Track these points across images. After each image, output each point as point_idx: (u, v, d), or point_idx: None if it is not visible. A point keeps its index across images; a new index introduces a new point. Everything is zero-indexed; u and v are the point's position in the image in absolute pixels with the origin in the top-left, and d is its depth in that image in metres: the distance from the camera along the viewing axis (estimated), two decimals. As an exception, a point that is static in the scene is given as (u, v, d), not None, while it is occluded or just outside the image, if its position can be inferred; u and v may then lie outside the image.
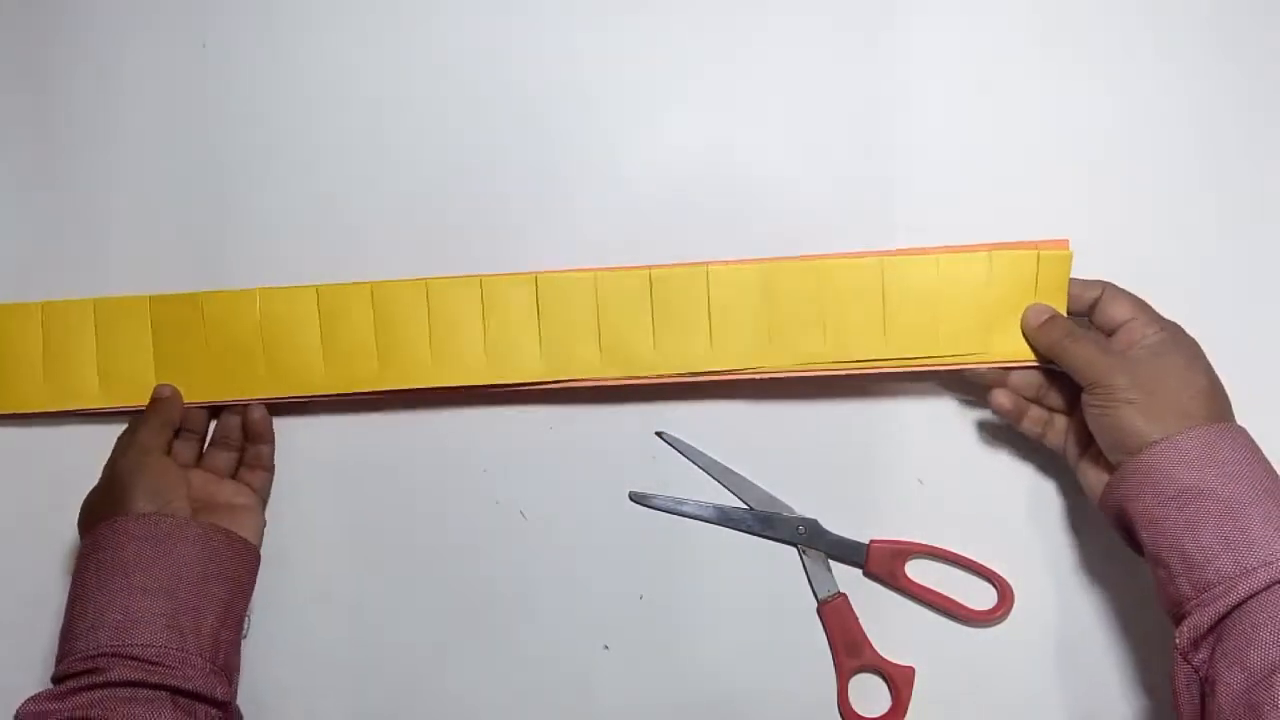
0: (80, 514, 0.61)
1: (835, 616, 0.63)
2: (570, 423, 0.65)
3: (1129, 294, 0.58)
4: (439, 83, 0.66)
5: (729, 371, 0.62)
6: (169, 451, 0.63)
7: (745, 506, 0.64)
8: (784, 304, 0.61)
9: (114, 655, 0.54)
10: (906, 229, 0.64)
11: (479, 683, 0.65)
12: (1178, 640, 0.51)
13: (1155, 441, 0.53)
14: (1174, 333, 0.56)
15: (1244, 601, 0.49)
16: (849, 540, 0.63)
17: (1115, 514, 0.55)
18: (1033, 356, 0.60)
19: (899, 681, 0.62)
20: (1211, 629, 0.50)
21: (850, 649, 0.62)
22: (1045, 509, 0.63)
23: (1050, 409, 0.61)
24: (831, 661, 0.63)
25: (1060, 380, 0.60)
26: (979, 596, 0.63)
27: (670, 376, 0.62)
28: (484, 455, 0.66)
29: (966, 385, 0.63)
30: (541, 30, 0.66)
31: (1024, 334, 0.60)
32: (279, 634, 0.65)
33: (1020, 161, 0.64)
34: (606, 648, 0.65)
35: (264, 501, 0.65)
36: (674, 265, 0.62)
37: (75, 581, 0.58)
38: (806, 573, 0.63)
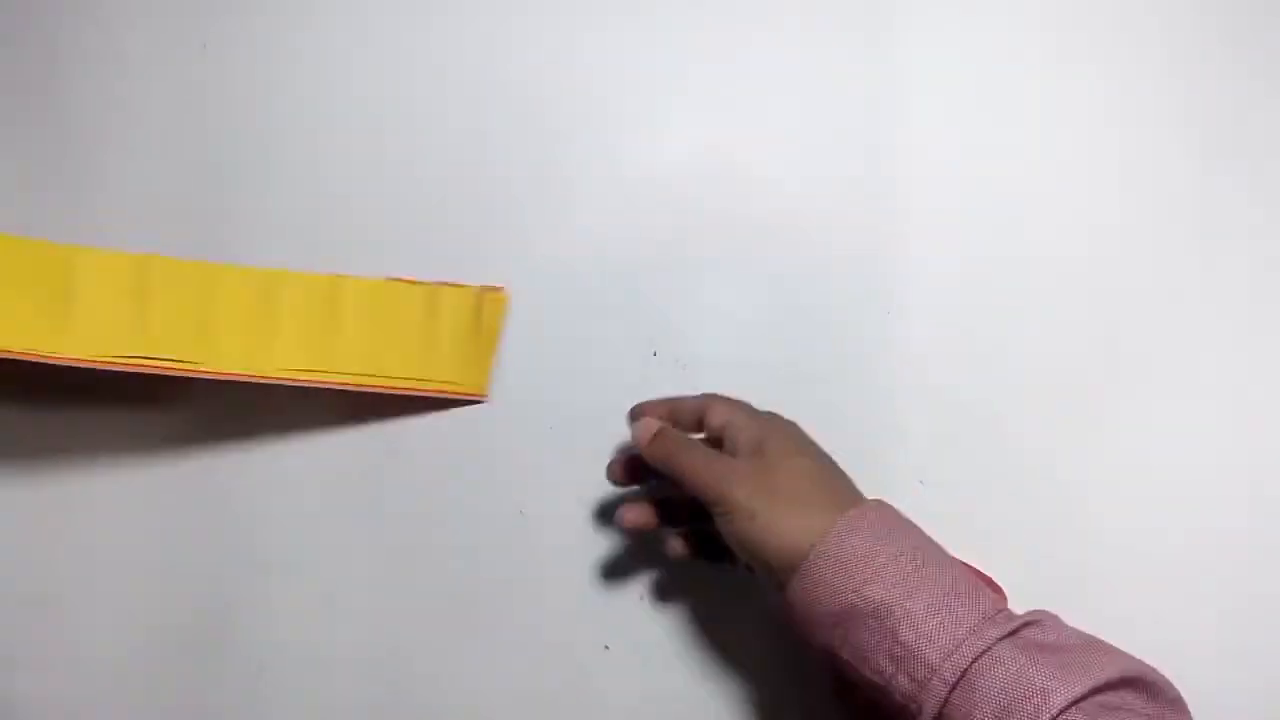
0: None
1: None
2: (571, 421, 0.65)
3: (727, 398, 0.58)
4: (439, 83, 0.67)
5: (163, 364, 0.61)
6: None
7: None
8: (224, 306, 0.63)
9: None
10: (905, 229, 0.65)
11: (479, 683, 0.64)
12: None
13: (795, 567, 0.50)
14: (768, 422, 0.56)
15: (940, 715, 0.46)
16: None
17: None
18: (476, 387, 0.65)
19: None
20: None
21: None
22: (1044, 511, 0.64)
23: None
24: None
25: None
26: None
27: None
28: (484, 455, 0.66)
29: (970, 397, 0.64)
30: (541, 31, 0.67)
31: (639, 451, 0.58)
32: (280, 635, 0.64)
33: (1021, 163, 0.65)
34: (607, 648, 0.64)
35: None
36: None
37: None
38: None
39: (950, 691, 0.46)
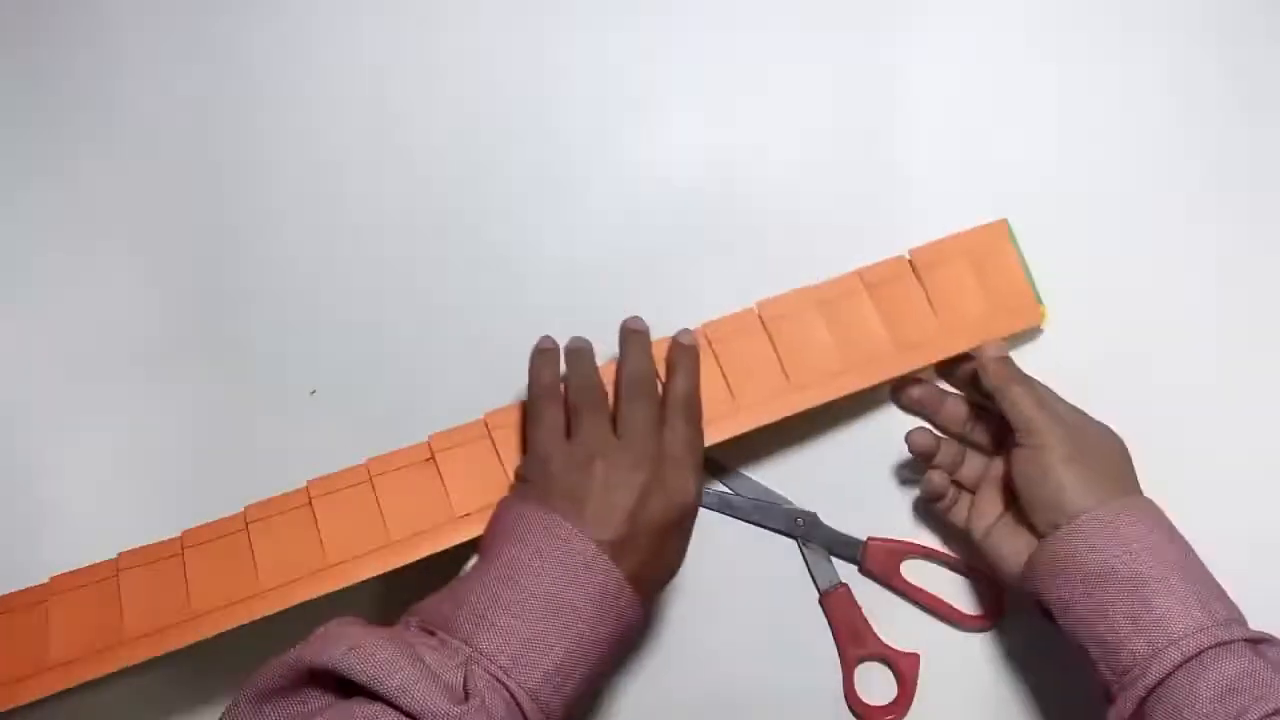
0: (539, 463, 0.54)
1: (838, 607, 0.63)
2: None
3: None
4: (440, 83, 0.67)
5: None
6: None
7: (744, 498, 0.65)
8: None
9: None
10: (905, 229, 0.65)
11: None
12: None
13: (1075, 517, 0.52)
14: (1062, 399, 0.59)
15: (1161, 683, 0.48)
16: (846, 536, 0.64)
17: (1032, 595, 0.55)
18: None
19: (904, 669, 0.62)
20: (1134, 715, 0.49)
21: (854, 638, 0.62)
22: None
23: (972, 447, 0.62)
24: (836, 652, 0.63)
25: (989, 425, 0.62)
26: (973, 600, 0.63)
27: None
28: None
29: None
30: (542, 35, 0.67)
31: (980, 366, 0.58)
32: (280, 634, 0.64)
33: (1022, 163, 0.65)
34: (606, 648, 0.64)
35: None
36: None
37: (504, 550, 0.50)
38: (807, 564, 0.63)
39: (1180, 665, 0.47)
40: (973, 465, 0.62)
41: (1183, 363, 0.64)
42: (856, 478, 0.65)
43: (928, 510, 0.64)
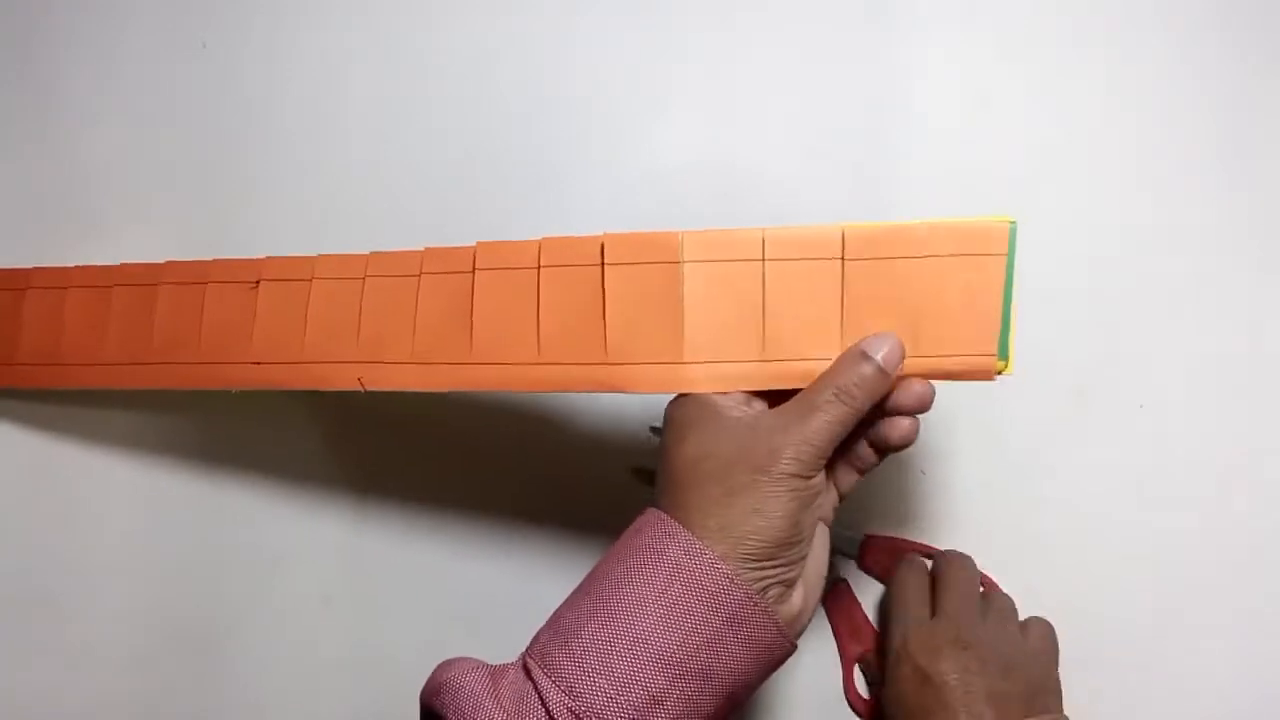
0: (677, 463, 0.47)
1: (837, 603, 0.63)
2: (570, 422, 0.65)
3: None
4: (437, 84, 0.67)
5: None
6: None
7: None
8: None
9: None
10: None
11: (479, 682, 0.64)
12: None
13: None
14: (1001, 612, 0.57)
15: None
16: (845, 532, 0.64)
17: None
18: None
19: (904, 666, 0.62)
20: None
21: (854, 635, 0.63)
22: (1045, 510, 0.64)
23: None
24: (836, 649, 0.63)
25: None
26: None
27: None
28: (484, 454, 0.66)
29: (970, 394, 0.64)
30: (539, 31, 0.67)
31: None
32: (279, 634, 0.64)
33: (1023, 163, 0.65)
34: (607, 646, 0.65)
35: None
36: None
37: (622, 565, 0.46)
38: (807, 560, 0.64)
39: None
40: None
41: (1188, 374, 0.64)
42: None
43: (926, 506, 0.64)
